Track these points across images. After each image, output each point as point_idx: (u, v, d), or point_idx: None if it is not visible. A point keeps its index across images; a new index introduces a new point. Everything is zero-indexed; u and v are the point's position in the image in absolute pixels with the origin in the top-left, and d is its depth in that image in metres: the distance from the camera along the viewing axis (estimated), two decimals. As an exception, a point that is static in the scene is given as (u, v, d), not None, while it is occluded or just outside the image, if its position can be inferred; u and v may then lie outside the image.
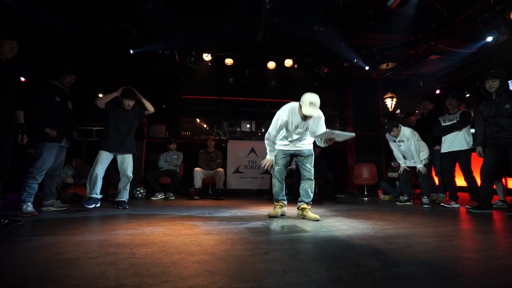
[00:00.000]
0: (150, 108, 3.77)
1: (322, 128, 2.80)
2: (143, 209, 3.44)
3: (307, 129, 2.81)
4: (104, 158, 3.37)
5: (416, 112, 6.98)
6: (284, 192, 3.03)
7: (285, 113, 2.76)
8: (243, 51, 5.48)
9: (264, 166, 2.92)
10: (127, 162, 3.53)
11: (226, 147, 6.08)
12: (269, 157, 2.92)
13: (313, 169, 2.91)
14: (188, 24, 4.76)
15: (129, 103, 3.51)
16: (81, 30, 4.53)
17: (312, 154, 2.94)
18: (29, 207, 2.85)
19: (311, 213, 2.74)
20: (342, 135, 2.59)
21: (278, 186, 2.97)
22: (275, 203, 2.99)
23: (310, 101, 2.57)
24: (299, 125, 2.77)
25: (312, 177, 2.89)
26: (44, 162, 2.99)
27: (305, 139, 2.93)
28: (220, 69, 6.05)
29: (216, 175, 5.14)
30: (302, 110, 2.60)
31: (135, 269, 1.26)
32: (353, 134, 2.52)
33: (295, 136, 2.85)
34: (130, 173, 3.54)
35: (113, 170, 5.04)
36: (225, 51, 5.44)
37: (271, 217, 2.82)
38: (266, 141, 2.94)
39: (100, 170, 3.34)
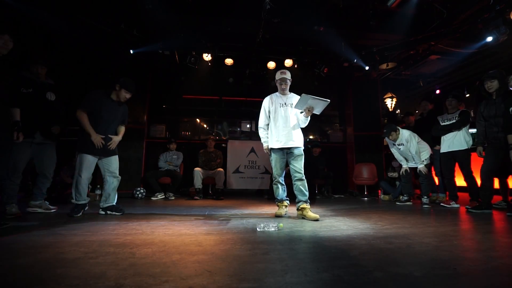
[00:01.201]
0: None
1: None
2: (143, 209, 3.44)
3: (291, 105, 2.99)
4: (91, 162, 2.88)
5: (416, 112, 6.98)
6: (286, 193, 3.07)
7: (266, 100, 3.15)
8: (243, 51, 5.48)
9: (266, 151, 3.14)
10: (114, 163, 3.04)
11: (226, 147, 6.08)
12: (266, 145, 3.11)
13: (303, 169, 2.93)
14: (188, 24, 4.76)
15: (126, 96, 3.00)
16: (81, 30, 4.54)
17: (302, 155, 2.96)
18: (13, 208, 2.74)
19: (310, 212, 2.75)
20: (318, 102, 2.74)
21: (280, 188, 3.05)
22: (279, 203, 3.04)
23: (280, 71, 3.07)
24: (282, 103, 3.04)
25: (303, 177, 2.91)
26: (15, 160, 2.79)
27: (294, 128, 2.96)
28: (220, 69, 6.05)
29: (216, 175, 5.14)
30: (276, 77, 3.08)
31: (135, 269, 1.26)
32: (328, 100, 2.75)
33: (281, 119, 2.97)
34: (117, 172, 3.10)
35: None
36: (225, 51, 5.44)
37: (278, 216, 2.90)
38: (260, 131, 3.16)
39: (87, 176, 2.88)
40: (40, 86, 3.02)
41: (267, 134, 3.10)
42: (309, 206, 2.82)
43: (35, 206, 3.01)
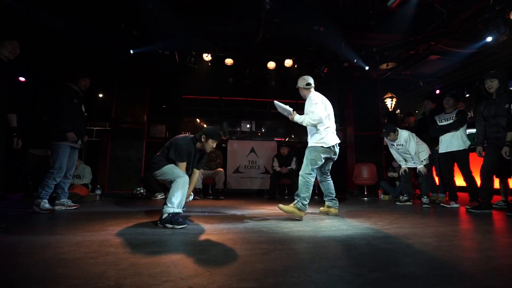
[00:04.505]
0: None
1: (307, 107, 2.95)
2: (143, 209, 3.44)
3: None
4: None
5: (416, 112, 6.98)
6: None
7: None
8: (243, 51, 5.48)
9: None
10: None
11: (226, 147, 6.08)
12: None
13: (304, 166, 2.88)
14: (188, 24, 4.76)
15: (213, 146, 2.96)
16: (82, 30, 4.54)
17: (307, 152, 2.97)
18: (46, 204, 3.00)
19: (291, 207, 2.75)
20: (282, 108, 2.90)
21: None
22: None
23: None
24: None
25: (302, 173, 2.91)
26: (62, 162, 3.12)
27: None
28: (220, 69, 6.05)
29: (216, 175, 5.14)
30: None
31: (135, 269, 1.26)
32: (291, 110, 2.87)
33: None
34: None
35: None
36: (225, 51, 5.44)
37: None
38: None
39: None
40: (81, 98, 3.40)
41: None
42: (291, 205, 2.75)
43: (59, 204, 3.26)
